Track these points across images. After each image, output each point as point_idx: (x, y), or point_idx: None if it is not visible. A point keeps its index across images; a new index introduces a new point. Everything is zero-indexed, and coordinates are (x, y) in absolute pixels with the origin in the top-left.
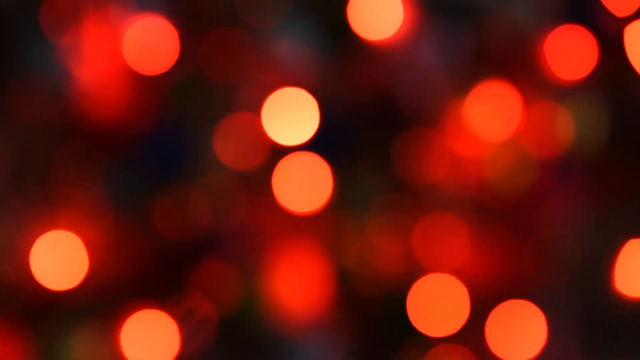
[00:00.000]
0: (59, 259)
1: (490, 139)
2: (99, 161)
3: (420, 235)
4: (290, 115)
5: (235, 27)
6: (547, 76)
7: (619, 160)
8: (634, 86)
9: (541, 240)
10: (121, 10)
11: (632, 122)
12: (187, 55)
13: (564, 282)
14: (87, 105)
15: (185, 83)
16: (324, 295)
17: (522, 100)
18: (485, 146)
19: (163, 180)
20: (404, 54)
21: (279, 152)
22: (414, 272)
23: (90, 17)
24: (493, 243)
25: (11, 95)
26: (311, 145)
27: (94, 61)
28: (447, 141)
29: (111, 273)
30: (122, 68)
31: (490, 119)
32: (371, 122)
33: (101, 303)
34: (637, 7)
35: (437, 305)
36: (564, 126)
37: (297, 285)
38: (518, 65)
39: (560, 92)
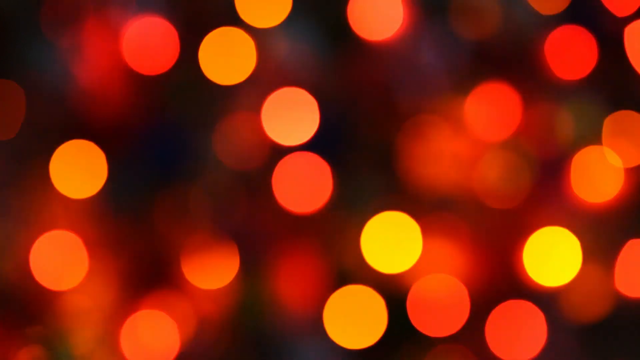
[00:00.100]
0: (59, 259)
1: (490, 139)
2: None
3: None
4: (290, 115)
5: (235, 27)
6: (547, 76)
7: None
8: (633, 86)
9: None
10: (121, 11)
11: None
12: (187, 55)
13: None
14: (87, 105)
15: (185, 83)
16: (324, 295)
17: (522, 100)
18: (485, 146)
19: (163, 180)
20: (404, 54)
21: (279, 152)
22: (414, 272)
23: (90, 17)
24: (493, 243)
25: (11, 95)
26: (311, 145)
27: (94, 61)
28: (447, 141)
29: (111, 273)
30: (122, 68)
31: (490, 119)
32: (371, 122)
33: (101, 303)
34: (637, 7)
35: (437, 305)
36: (564, 126)
37: (297, 285)
38: (518, 65)
39: (560, 92)
